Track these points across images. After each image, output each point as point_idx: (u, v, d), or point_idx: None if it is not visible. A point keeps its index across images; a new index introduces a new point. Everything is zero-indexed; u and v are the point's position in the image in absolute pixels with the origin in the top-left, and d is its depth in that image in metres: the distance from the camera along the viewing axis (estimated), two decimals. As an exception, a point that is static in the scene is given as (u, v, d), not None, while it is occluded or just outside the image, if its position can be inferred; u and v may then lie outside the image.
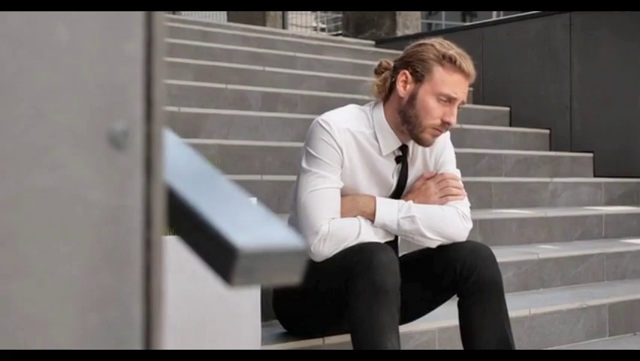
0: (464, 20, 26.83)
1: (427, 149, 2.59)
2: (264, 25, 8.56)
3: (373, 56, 6.94)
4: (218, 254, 0.54)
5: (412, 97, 2.45)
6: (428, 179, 2.57)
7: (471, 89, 6.40)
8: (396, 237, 2.58)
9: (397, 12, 7.60)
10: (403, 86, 2.47)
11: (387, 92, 2.51)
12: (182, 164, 0.62)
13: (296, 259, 0.56)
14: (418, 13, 7.77)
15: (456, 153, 4.90)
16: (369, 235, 2.44)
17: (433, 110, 2.43)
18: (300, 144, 4.07)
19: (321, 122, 2.48)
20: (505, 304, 2.45)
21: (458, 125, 5.50)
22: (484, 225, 4.10)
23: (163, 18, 0.52)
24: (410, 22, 7.56)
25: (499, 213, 4.41)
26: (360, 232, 2.42)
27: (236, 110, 4.62)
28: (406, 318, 2.65)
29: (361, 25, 7.76)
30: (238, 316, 2.37)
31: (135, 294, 0.53)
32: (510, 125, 6.24)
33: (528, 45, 6.21)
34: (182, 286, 2.26)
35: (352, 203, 2.47)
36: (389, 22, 7.53)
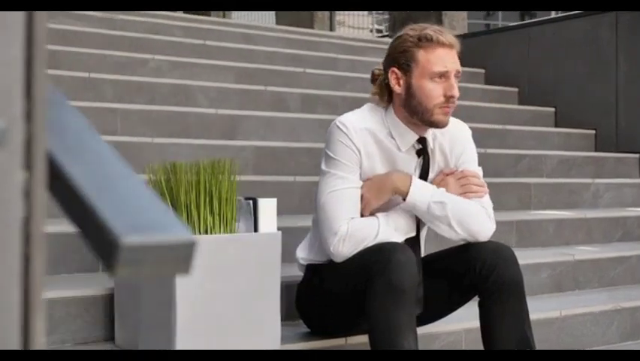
0: (523, 20, 26.53)
1: (447, 147, 2.60)
2: (311, 27, 8.60)
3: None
4: (102, 244, 0.57)
5: (409, 88, 2.47)
6: (448, 175, 2.57)
7: (515, 89, 6.37)
8: (418, 234, 2.59)
9: (444, 12, 7.57)
10: (397, 83, 2.49)
11: (388, 95, 2.53)
12: (72, 146, 0.64)
13: (184, 250, 0.58)
14: (464, 14, 7.73)
15: (496, 154, 4.89)
16: (388, 234, 2.45)
17: (432, 91, 2.44)
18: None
19: (338, 123, 2.51)
20: (525, 305, 2.44)
21: (500, 126, 5.50)
22: (520, 226, 4.07)
23: (44, 19, 0.55)
24: (457, 22, 7.52)
25: (537, 214, 4.37)
26: (378, 231, 2.43)
27: (274, 112, 4.67)
28: (428, 318, 2.65)
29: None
30: (258, 315, 2.41)
31: (14, 285, 0.56)
32: (555, 125, 6.17)
33: (574, 45, 6.13)
34: (204, 286, 2.30)
35: (387, 178, 2.47)
36: (434, 22, 7.50)
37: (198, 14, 7.16)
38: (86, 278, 2.76)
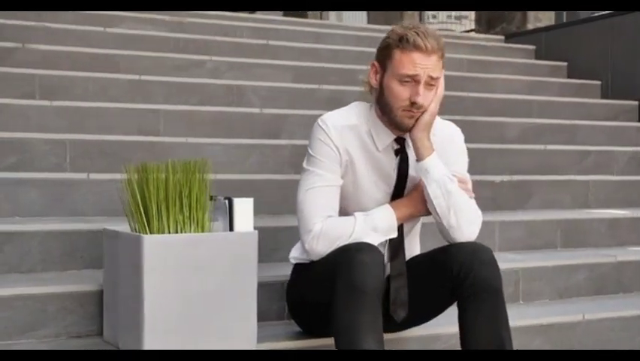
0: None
1: (436, 151, 2.55)
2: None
3: (499, 52, 6.78)
4: None
5: (381, 86, 2.46)
6: None
7: (597, 82, 6.11)
8: (402, 236, 2.54)
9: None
10: (374, 77, 2.49)
11: (372, 90, 2.51)
12: None
13: None
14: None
15: (564, 151, 4.70)
16: (364, 233, 2.42)
17: (398, 93, 2.42)
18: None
19: (319, 121, 2.51)
20: (503, 308, 2.36)
21: (569, 122, 5.29)
22: (568, 225, 3.92)
23: None
24: (542, 14, 7.29)
25: (590, 213, 4.18)
26: (353, 230, 2.41)
27: (321, 110, 4.66)
28: (415, 320, 2.61)
29: (493, 20, 7.57)
30: (233, 315, 2.43)
31: None
32: (639, 120, 5.89)
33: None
34: (179, 285, 2.35)
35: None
36: (519, 16, 7.30)
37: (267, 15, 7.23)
38: (84, 275, 2.85)
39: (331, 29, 6.54)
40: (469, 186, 2.56)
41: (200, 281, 2.39)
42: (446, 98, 4.92)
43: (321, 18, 10.22)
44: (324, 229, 2.41)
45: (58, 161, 3.58)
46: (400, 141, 2.53)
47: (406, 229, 2.58)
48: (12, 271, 2.86)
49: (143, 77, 4.48)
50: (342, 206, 2.53)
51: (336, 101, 4.83)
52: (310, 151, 2.49)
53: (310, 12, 10.16)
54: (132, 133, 4.00)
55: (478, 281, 2.34)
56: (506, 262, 3.31)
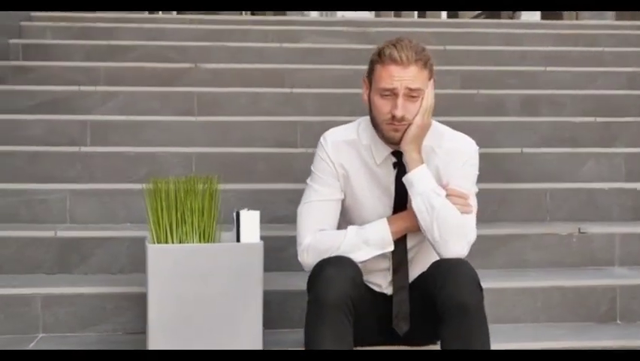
0: None
1: (441, 164, 2.52)
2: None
3: None
4: None
5: (369, 101, 2.48)
6: None
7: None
8: (404, 250, 2.53)
9: None
10: (366, 93, 2.50)
11: None
12: None
13: None
14: None
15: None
16: (353, 247, 2.45)
17: (380, 107, 2.42)
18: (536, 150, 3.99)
19: (321, 138, 2.58)
20: (476, 327, 2.27)
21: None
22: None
23: None
24: None
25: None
26: (342, 243, 2.45)
27: (464, 117, 4.59)
28: (421, 336, 2.56)
29: None
30: (237, 322, 2.57)
31: None
32: None
33: None
34: (186, 289, 2.55)
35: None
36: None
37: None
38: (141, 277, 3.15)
39: (527, 29, 6.31)
40: (471, 201, 2.48)
41: (206, 289, 2.56)
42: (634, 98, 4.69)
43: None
44: (313, 242, 2.47)
45: (184, 172, 3.92)
46: (398, 154, 2.52)
47: (411, 242, 2.55)
48: (103, 271, 3.24)
49: (295, 90, 4.72)
50: (347, 219, 2.57)
51: (501, 107, 4.71)
52: (312, 167, 2.58)
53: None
54: (271, 145, 4.24)
55: (447, 299, 2.29)
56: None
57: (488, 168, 4.06)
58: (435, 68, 5.07)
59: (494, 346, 2.39)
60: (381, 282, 2.59)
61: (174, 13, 13.11)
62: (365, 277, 2.58)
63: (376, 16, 18.62)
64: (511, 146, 4.36)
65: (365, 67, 4.93)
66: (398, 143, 2.46)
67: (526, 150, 4.20)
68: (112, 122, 4.26)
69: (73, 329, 2.92)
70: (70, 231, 3.30)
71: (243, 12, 13.63)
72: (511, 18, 11.22)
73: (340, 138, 2.56)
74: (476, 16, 13.28)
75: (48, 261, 3.22)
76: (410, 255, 2.56)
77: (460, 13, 13.49)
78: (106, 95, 4.58)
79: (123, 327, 2.95)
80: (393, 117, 2.40)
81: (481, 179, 3.94)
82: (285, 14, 18.30)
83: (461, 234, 2.41)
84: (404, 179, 2.45)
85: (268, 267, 3.04)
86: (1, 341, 2.83)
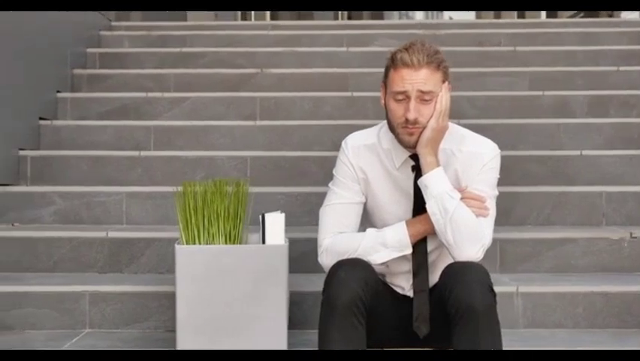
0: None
1: (460, 167, 2.52)
2: None
3: None
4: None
5: (386, 106, 2.49)
6: None
7: None
8: (425, 252, 2.54)
9: None
10: (383, 97, 2.52)
11: None
12: None
13: None
14: None
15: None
16: (372, 249, 2.47)
17: (394, 111, 2.44)
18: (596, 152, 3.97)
19: (342, 142, 2.62)
20: (485, 330, 2.26)
21: None
22: None
23: None
24: None
25: None
26: (359, 246, 2.48)
27: (527, 119, 4.53)
28: (441, 338, 2.56)
29: None
30: (262, 321, 2.64)
31: None
32: None
33: None
34: (213, 289, 2.64)
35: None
36: None
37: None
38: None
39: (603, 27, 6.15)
40: (488, 204, 2.47)
41: (232, 289, 2.64)
42: None
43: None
44: (332, 244, 2.51)
45: (239, 175, 4.04)
46: (417, 158, 2.52)
47: (431, 245, 2.55)
48: (152, 271, 3.37)
49: (355, 94, 4.76)
50: (371, 222, 2.61)
51: (567, 108, 4.63)
52: (333, 170, 2.62)
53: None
54: (328, 149, 4.30)
55: (456, 302, 2.28)
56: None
57: (545, 172, 4.03)
58: (503, 69, 5.10)
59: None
60: (404, 284, 2.61)
61: (252, 19, 13.42)
62: (388, 280, 2.62)
63: (477, 17, 18.44)
64: (573, 148, 4.28)
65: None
66: (414, 146, 2.47)
67: (585, 152, 4.12)
68: (175, 127, 4.41)
69: (118, 325, 3.05)
70: (121, 231, 3.44)
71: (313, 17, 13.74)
72: (611, 17, 10.93)
73: (360, 142, 2.59)
74: (573, 15, 12.99)
75: (100, 260, 3.38)
76: (431, 258, 2.56)
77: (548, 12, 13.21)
78: (173, 101, 4.74)
79: (164, 324, 3.06)
80: (407, 120, 2.42)
81: (535, 182, 3.94)
82: (359, 18, 18.39)
83: (475, 237, 2.40)
84: (419, 181, 2.46)
85: (310, 268, 3.12)
86: (50, 335, 2.99)
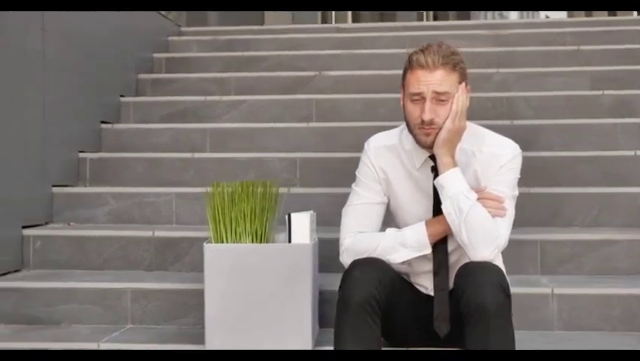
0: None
1: (480, 168, 2.54)
2: None
3: None
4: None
5: (404, 107, 2.52)
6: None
7: None
8: (445, 252, 2.55)
9: None
10: (402, 99, 2.55)
11: None
12: None
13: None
14: None
15: None
16: (391, 249, 2.51)
17: (411, 112, 2.48)
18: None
19: (365, 143, 2.67)
20: (496, 330, 2.26)
21: None
22: None
23: None
24: None
25: None
26: (379, 245, 2.52)
27: (583, 119, 4.45)
28: (455, 340, 2.57)
29: None
30: (288, 318, 2.70)
31: None
32: None
33: None
34: (240, 287, 2.72)
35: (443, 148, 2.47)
36: None
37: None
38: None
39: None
40: (506, 204, 2.48)
41: (259, 287, 2.71)
42: None
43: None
44: (352, 243, 2.55)
45: (288, 176, 4.11)
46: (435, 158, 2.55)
47: (452, 245, 2.57)
48: (195, 270, 3.47)
49: (411, 95, 4.76)
50: (395, 223, 2.65)
51: (627, 107, 4.55)
52: (356, 171, 2.66)
53: None
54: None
55: (467, 302, 2.30)
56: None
57: (595, 172, 3.96)
58: (564, 68, 5.01)
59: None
60: (427, 284, 2.63)
61: (333, 21, 13.46)
62: (413, 280, 2.65)
63: (568, 16, 18.06)
64: (630, 148, 4.19)
65: (487, 70, 4.94)
66: (431, 147, 2.49)
67: (640, 152, 4.04)
68: (229, 130, 4.51)
69: (158, 321, 3.16)
70: (166, 231, 3.56)
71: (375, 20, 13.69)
72: None
73: (382, 143, 2.63)
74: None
75: (147, 259, 3.50)
76: (453, 258, 2.58)
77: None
78: (231, 104, 4.85)
79: (202, 321, 3.13)
80: (423, 121, 2.44)
81: (584, 183, 3.87)
82: (446, 18, 18.19)
83: (490, 238, 2.41)
84: (435, 182, 2.48)
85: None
86: (93, 329, 3.12)
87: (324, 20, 13.22)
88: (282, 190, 3.81)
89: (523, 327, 3.02)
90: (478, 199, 2.46)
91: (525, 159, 3.88)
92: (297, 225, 2.75)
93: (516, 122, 4.43)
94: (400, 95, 2.58)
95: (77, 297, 3.20)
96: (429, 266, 2.60)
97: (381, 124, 4.50)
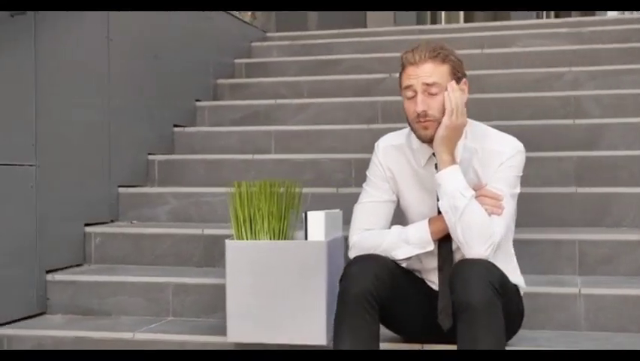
0: None
1: (479, 164, 2.57)
2: None
3: None
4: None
5: (403, 108, 2.59)
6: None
7: None
8: (450, 249, 2.59)
9: None
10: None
11: None
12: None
13: None
14: None
15: None
16: (395, 246, 2.57)
17: (407, 108, 2.56)
18: None
19: (375, 143, 2.75)
20: (484, 326, 2.28)
21: None
22: None
23: None
24: None
25: None
26: (383, 242, 2.58)
27: (647, 118, 4.33)
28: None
29: None
30: (304, 312, 2.80)
31: None
32: None
33: None
34: (258, 282, 2.84)
35: (442, 145, 2.51)
36: None
37: None
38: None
39: None
40: (505, 202, 2.49)
41: (276, 283, 2.82)
42: None
43: None
44: (359, 240, 2.63)
45: (343, 177, 4.21)
46: (440, 155, 2.59)
47: (455, 246, 2.60)
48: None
49: (476, 96, 4.75)
50: (404, 220, 2.71)
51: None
52: (367, 171, 2.75)
53: None
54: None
55: (456, 299, 2.34)
56: None
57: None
58: (635, 66, 4.88)
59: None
60: (436, 280, 2.68)
61: (442, 22, 13.36)
62: (424, 276, 2.72)
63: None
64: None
65: (558, 68, 4.86)
66: (431, 141, 2.54)
67: None
68: (292, 132, 4.65)
69: (197, 314, 3.33)
70: (215, 229, 3.72)
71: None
72: None
73: (389, 142, 2.70)
74: None
75: (196, 255, 3.68)
76: (458, 255, 2.60)
77: None
78: (299, 107, 4.98)
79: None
80: (418, 115, 2.50)
81: (624, 183, 3.77)
82: (568, 16, 17.61)
83: (484, 236, 2.43)
84: (434, 179, 2.52)
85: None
86: (137, 320, 3.31)
87: (433, 21, 13.18)
88: (331, 190, 3.97)
89: (549, 327, 3.02)
90: (476, 197, 2.49)
91: (582, 159, 3.89)
92: (313, 223, 2.84)
93: (578, 121, 4.36)
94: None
95: (126, 290, 3.41)
96: (436, 263, 2.65)
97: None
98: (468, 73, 5.06)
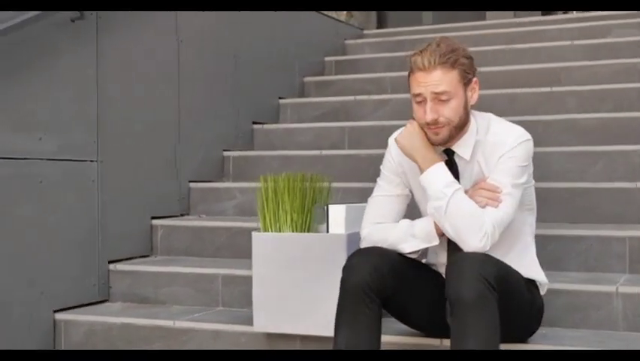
0: None
1: (483, 158, 2.56)
2: None
3: None
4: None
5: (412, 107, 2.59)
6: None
7: None
8: (458, 248, 2.57)
9: None
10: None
11: None
12: None
13: None
14: None
15: None
16: (402, 240, 2.58)
17: (417, 112, 2.55)
18: None
19: (390, 137, 2.76)
20: (474, 320, 2.26)
21: None
22: None
23: None
24: None
25: None
26: (390, 236, 2.60)
27: None
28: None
29: None
30: (325, 304, 2.85)
31: None
32: None
33: None
34: (281, 273, 2.93)
35: (418, 148, 2.55)
36: None
37: None
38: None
39: None
40: (506, 193, 2.46)
41: (298, 274, 2.89)
42: None
43: None
44: (369, 233, 2.66)
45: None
46: (450, 152, 2.58)
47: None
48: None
49: (555, 89, 4.63)
50: (417, 213, 2.71)
51: None
52: (381, 165, 2.76)
53: None
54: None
55: (449, 295, 2.32)
56: None
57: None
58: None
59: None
60: (447, 274, 2.66)
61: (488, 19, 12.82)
62: (440, 270, 2.71)
63: None
64: None
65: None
66: (442, 144, 2.54)
67: None
68: (365, 128, 4.68)
69: (243, 305, 3.43)
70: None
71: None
72: None
73: (402, 138, 2.70)
74: None
75: (251, 247, 3.78)
76: (466, 249, 2.58)
77: None
78: (378, 103, 5.01)
79: (279, 306, 3.37)
80: (428, 123, 2.49)
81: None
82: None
83: (474, 227, 2.40)
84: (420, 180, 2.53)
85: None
86: (187, 310, 3.46)
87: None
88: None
89: (583, 326, 2.93)
90: (473, 190, 2.48)
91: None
92: (334, 216, 2.88)
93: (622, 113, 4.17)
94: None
95: (179, 281, 3.56)
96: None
97: (520, 118, 4.42)
98: (559, 65, 4.98)
